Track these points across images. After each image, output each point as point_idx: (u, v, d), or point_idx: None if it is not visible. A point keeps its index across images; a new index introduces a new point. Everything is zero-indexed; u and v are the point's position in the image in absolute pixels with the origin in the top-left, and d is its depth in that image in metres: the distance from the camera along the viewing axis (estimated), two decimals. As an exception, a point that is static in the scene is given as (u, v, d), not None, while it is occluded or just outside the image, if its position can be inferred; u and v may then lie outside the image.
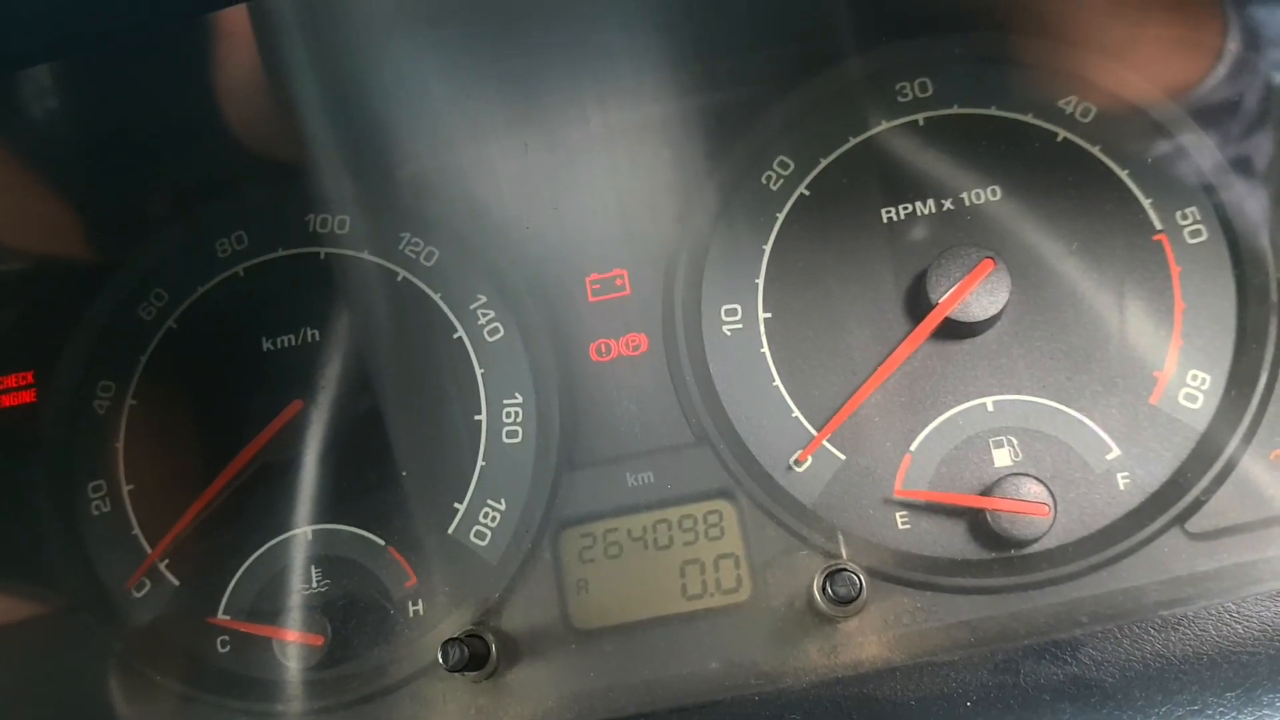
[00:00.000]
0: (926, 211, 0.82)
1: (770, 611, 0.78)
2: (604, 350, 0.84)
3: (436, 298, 0.86)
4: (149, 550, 0.85)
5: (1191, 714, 0.62)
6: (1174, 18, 0.81)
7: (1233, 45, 0.81)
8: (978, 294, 0.78)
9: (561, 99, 0.87)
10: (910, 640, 0.75)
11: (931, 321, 0.78)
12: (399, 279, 0.87)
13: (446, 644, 0.73)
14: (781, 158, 0.85)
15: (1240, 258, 0.79)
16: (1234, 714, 0.61)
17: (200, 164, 0.91)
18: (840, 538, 0.78)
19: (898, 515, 0.79)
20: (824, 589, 0.72)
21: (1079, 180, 0.81)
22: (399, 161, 0.88)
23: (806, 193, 0.84)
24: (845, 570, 0.71)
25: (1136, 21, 0.82)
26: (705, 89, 0.86)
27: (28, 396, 0.89)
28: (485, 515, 0.82)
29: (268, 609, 0.83)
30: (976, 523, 0.77)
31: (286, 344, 0.86)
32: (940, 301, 0.78)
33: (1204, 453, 0.77)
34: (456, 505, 0.83)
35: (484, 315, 0.85)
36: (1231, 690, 0.62)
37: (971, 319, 0.78)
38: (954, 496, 0.78)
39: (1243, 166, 0.79)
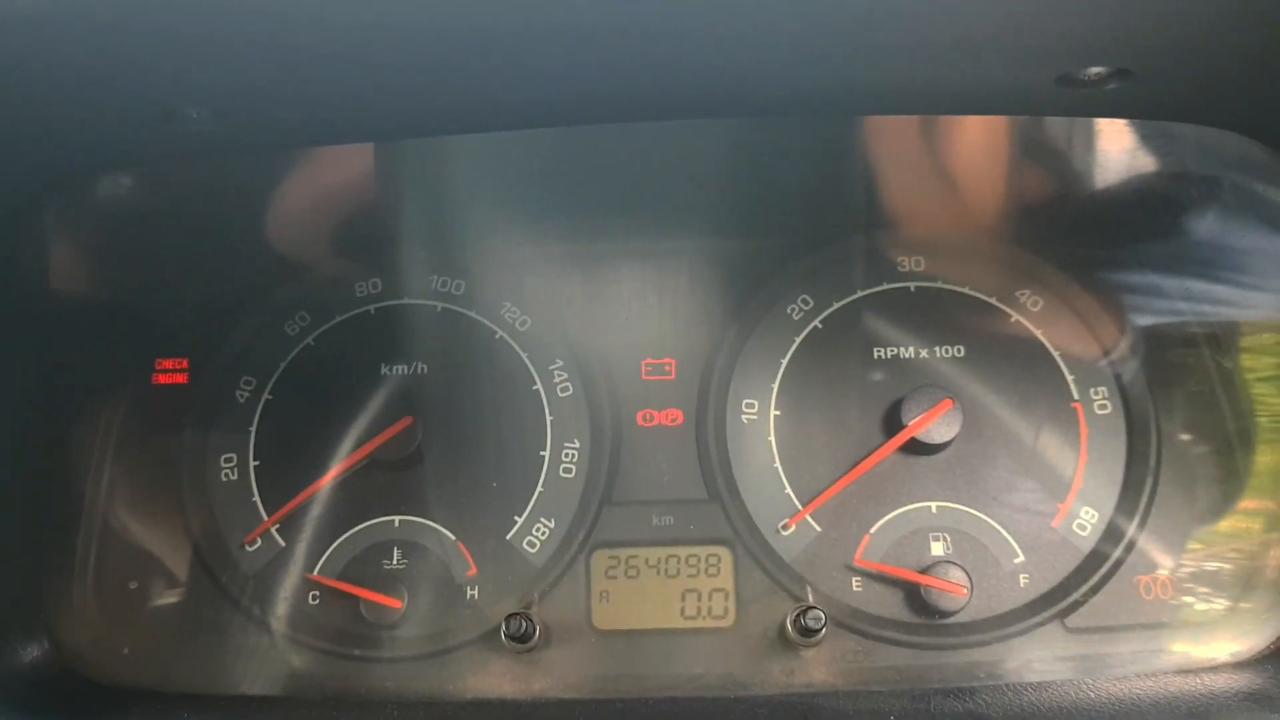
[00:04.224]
0: (908, 355, 1.07)
1: (748, 637, 1.01)
2: (649, 418, 1.08)
3: (524, 356, 1.09)
4: (265, 516, 1.06)
5: (1048, 746, 0.86)
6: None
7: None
8: (938, 424, 1.02)
9: (642, 234, 1.12)
10: (851, 672, 0.99)
11: (900, 439, 1.02)
12: (496, 336, 1.10)
13: (510, 616, 0.95)
14: (804, 296, 1.09)
15: (1133, 430, 1.05)
16: (1077, 750, 0.85)
17: (352, 229, 1.12)
18: (809, 589, 1.02)
19: (854, 579, 1.02)
20: (795, 622, 0.96)
21: (1023, 352, 1.07)
22: (511, 248, 1.12)
23: (820, 326, 1.09)
24: (815, 610, 0.95)
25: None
26: (754, 235, 1.11)
27: (181, 378, 1.10)
28: (537, 529, 1.05)
29: (355, 575, 1.03)
30: (911, 593, 1.00)
31: (401, 371, 1.09)
32: (909, 425, 1.02)
33: (1086, 569, 1.02)
34: (516, 518, 1.05)
35: (559, 375, 1.09)
36: (1079, 734, 0.86)
37: (931, 442, 1.02)
38: (898, 570, 1.02)
39: (1138, 368, 1.06)
